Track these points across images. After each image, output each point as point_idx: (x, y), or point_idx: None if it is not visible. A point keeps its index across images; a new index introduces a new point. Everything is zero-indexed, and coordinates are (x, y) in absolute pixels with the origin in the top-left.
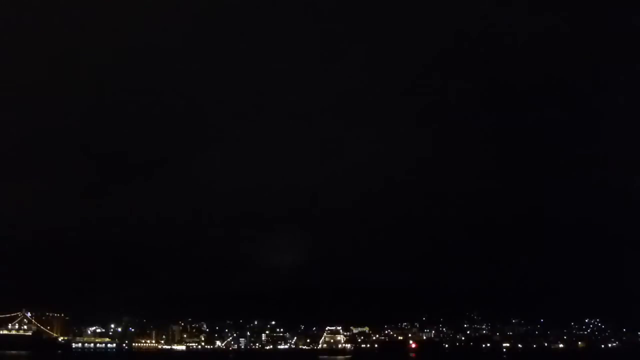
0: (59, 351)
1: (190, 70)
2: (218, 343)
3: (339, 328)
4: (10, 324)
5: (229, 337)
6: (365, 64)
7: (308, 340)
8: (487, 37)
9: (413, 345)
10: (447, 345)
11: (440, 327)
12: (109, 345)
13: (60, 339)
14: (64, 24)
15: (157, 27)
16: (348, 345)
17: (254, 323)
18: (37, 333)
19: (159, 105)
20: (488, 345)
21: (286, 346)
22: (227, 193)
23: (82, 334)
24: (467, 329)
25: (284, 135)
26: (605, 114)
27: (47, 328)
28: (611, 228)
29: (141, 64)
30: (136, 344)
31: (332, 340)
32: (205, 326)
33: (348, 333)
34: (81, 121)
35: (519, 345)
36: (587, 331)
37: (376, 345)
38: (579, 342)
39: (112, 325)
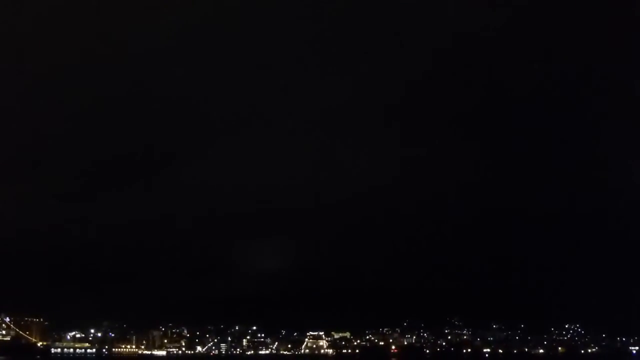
0: (38, 356)
1: (184, 73)
2: (199, 348)
3: (321, 333)
4: None
5: (209, 343)
6: (358, 72)
7: (289, 346)
8: (481, 41)
9: (394, 350)
10: (428, 351)
11: (422, 332)
12: (88, 350)
13: (39, 344)
14: (61, 24)
15: (155, 28)
16: (330, 351)
17: (235, 328)
18: (16, 338)
19: (147, 111)
20: (469, 350)
21: (267, 351)
22: (208, 198)
23: (61, 339)
24: (448, 334)
25: (269, 143)
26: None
27: (25, 333)
28: (593, 234)
29: (139, 66)
30: (116, 349)
31: (314, 346)
32: (185, 331)
33: (329, 338)
34: (77, 123)
35: (500, 351)
36: (567, 336)
37: (357, 351)
38: (559, 348)
39: (92, 331)
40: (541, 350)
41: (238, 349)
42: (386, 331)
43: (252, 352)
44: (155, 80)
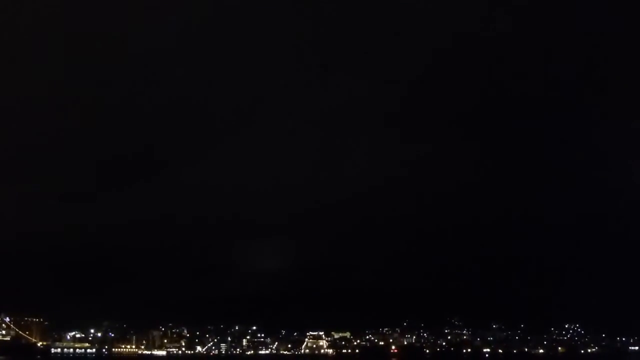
0: (38, 356)
1: (184, 73)
2: (199, 348)
3: (321, 333)
4: None
5: (209, 343)
6: (358, 72)
7: (289, 346)
8: (481, 41)
9: (394, 350)
10: (428, 351)
11: (422, 332)
12: (88, 350)
13: (39, 344)
14: (61, 24)
15: (155, 29)
16: (330, 351)
17: (234, 328)
18: (16, 338)
19: (147, 111)
20: (469, 350)
21: (267, 351)
22: (208, 199)
23: (61, 339)
24: (448, 334)
25: (269, 143)
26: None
27: (25, 333)
28: (593, 234)
29: (139, 66)
30: (116, 349)
31: (314, 345)
32: (185, 331)
33: (329, 338)
34: (77, 124)
35: (500, 351)
36: (567, 336)
37: (357, 351)
38: (559, 348)
39: (92, 331)
40: (541, 350)
41: (238, 349)
42: (386, 331)
43: (252, 352)
44: (156, 80)
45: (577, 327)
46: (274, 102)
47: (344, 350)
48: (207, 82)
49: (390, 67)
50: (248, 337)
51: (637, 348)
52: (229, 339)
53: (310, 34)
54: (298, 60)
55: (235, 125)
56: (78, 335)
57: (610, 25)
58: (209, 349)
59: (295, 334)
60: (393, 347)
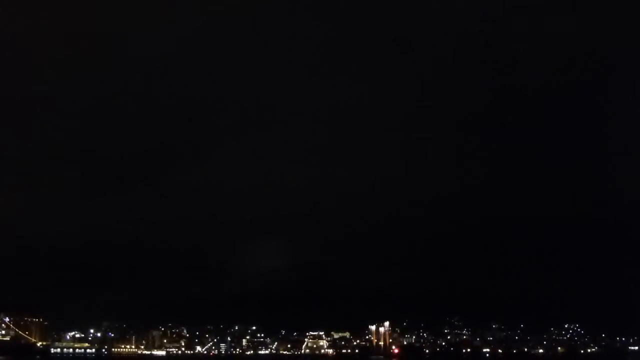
0: (37, 357)
1: (187, 75)
2: (198, 348)
3: (321, 333)
4: None
5: (209, 342)
6: (359, 74)
7: (289, 346)
8: (484, 41)
9: (395, 351)
10: (427, 351)
11: (421, 332)
12: (88, 350)
13: (39, 344)
14: (65, 25)
15: (157, 31)
16: (330, 351)
17: (234, 328)
18: (16, 338)
19: (150, 113)
20: (469, 350)
21: (267, 351)
22: (209, 199)
23: (60, 339)
24: (447, 334)
25: (272, 145)
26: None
27: (25, 333)
28: (590, 234)
29: (142, 68)
30: (116, 349)
31: (315, 346)
32: (185, 331)
33: (329, 338)
34: (79, 125)
35: (499, 351)
36: (566, 336)
37: (357, 351)
38: (559, 348)
39: (92, 331)
40: (541, 350)
41: (238, 349)
42: (386, 331)
43: (252, 352)
44: (159, 81)
45: (577, 327)
46: (276, 103)
47: (344, 350)
48: (208, 84)
49: (392, 68)
50: (248, 337)
51: (637, 348)
52: (229, 339)
53: (313, 36)
54: (301, 62)
55: (237, 127)
56: (78, 335)
57: (612, 24)
58: (209, 349)
59: (295, 334)
60: (394, 347)
